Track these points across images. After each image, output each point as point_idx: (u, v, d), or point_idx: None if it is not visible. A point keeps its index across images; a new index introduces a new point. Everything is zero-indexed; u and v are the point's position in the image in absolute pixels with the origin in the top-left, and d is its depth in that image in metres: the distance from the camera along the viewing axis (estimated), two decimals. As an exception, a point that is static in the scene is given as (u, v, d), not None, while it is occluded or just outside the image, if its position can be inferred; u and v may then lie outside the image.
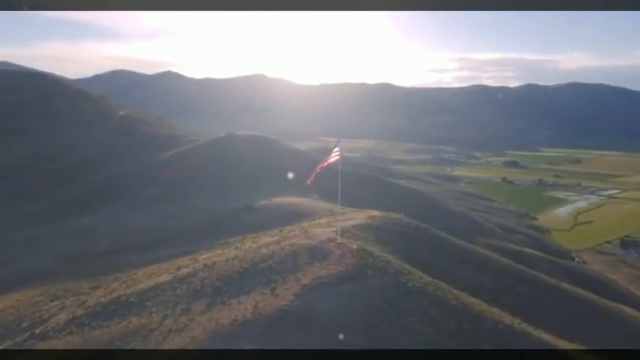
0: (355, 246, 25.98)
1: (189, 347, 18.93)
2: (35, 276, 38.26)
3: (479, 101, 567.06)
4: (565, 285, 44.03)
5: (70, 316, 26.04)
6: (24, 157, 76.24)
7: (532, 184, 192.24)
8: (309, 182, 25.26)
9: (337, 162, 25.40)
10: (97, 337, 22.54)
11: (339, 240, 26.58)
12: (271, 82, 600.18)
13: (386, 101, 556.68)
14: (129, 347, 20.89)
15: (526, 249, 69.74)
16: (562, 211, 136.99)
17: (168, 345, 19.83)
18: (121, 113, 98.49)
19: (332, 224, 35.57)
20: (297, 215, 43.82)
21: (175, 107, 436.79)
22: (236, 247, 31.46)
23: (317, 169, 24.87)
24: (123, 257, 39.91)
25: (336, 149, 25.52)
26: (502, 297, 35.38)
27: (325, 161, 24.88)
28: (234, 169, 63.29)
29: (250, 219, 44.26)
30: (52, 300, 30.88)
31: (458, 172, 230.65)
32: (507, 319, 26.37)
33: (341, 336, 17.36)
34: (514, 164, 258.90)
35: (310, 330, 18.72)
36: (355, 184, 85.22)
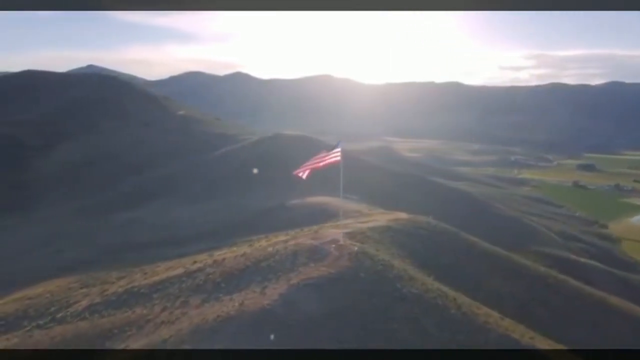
0: (356, 248, 25.63)
1: (172, 339, 19.65)
2: (79, 264, 41.36)
3: (556, 100, 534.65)
4: (612, 300, 40.77)
5: (89, 303, 27.94)
6: (90, 154, 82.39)
7: (607, 189, 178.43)
8: (304, 177, 25.07)
9: (337, 162, 25.13)
10: (103, 324, 23.98)
11: (341, 241, 26.33)
12: (337, 82, 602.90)
13: (454, 100, 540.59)
14: (126, 335, 22.16)
15: (582, 259, 65.07)
16: (638, 219, 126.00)
17: (157, 335, 20.71)
18: (180, 113, 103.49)
19: (350, 225, 35.30)
20: (324, 215, 43.91)
21: (242, 107, 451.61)
22: (250, 245, 32.10)
23: (314, 167, 24.70)
24: (157, 250, 41.98)
25: (337, 149, 25.27)
26: (529, 308, 33.51)
27: (322, 160, 24.67)
28: (277, 167, 64.49)
29: (281, 217, 44.96)
30: (82, 288, 33.22)
31: (525, 174, 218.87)
32: (518, 332, 24.97)
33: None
34: (590, 168, 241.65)
35: (284, 330, 18.78)
36: (402, 185, 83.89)
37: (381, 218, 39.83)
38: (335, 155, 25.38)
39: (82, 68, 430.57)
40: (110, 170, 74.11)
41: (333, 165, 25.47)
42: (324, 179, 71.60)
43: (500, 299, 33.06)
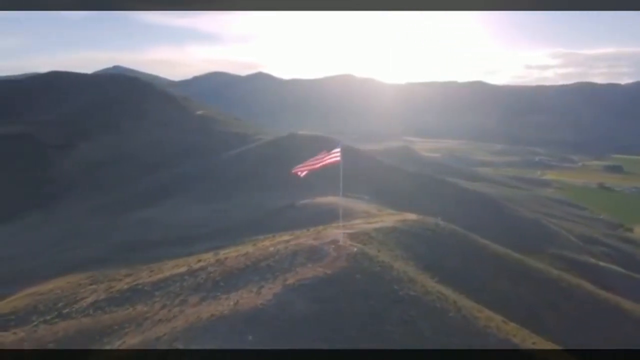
0: (355, 249, 25.47)
1: (165, 337, 19.85)
2: (92, 262, 42.21)
3: (583, 100, 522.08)
4: (628, 305, 39.54)
5: (94, 300, 28.49)
6: (110, 154, 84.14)
7: (634, 192, 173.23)
8: (302, 175, 25.05)
9: (337, 162, 25.04)
10: (104, 321, 24.40)
11: (341, 242, 26.21)
12: (359, 81, 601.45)
13: (477, 100, 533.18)
14: (124, 332, 22.51)
15: (601, 263, 63.35)
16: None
17: (152, 332, 20.95)
18: (199, 113, 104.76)
19: (356, 226, 35.15)
20: (332, 215, 43.73)
21: (263, 107, 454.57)
22: (254, 244, 32.24)
23: (312, 167, 24.65)
24: (168, 248, 42.57)
25: (337, 149, 25.18)
26: (537, 313, 32.81)
27: (321, 160, 24.61)
28: (290, 167, 64.59)
29: (289, 217, 45.05)
30: (90, 284, 33.88)
31: (549, 176, 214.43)
32: (520, 336, 24.47)
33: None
34: (617, 169, 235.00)
35: (274, 330, 18.78)
36: (418, 186, 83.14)
37: (388, 219, 39.52)
38: (334, 156, 25.30)
39: (108, 69, 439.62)
40: (129, 170, 75.50)
41: (333, 166, 25.41)
42: (337, 178, 71.69)
43: (508, 302, 32.42)
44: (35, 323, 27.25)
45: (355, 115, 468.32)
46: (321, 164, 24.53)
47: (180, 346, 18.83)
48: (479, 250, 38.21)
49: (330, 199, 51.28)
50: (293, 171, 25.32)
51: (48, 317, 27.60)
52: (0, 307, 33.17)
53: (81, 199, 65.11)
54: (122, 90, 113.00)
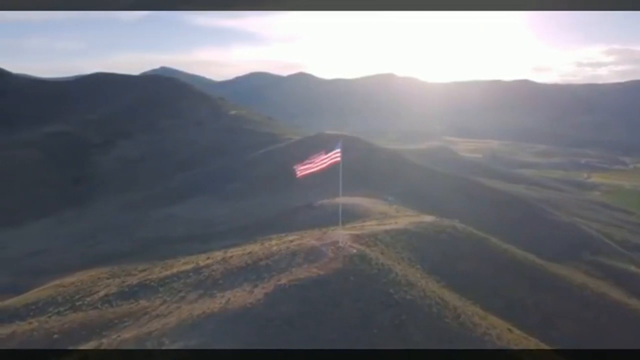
0: (355, 251, 25.20)
1: (156, 332, 20.31)
2: (115, 256, 43.81)
3: (638, 99, 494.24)
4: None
5: (105, 293, 29.54)
6: (145, 152, 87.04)
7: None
8: (298, 176, 25.00)
9: (336, 163, 24.84)
10: (108, 314, 25.26)
11: (341, 243, 25.98)
12: (400, 81, 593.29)
13: (523, 99, 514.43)
14: (123, 326, 23.21)
15: (641, 271, 59.72)
16: None
17: (146, 328, 21.49)
18: (232, 113, 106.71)
19: (366, 227, 34.78)
20: (348, 216, 43.39)
21: (302, 107, 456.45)
22: (261, 244, 32.48)
23: (312, 168, 24.54)
24: (186, 245, 43.54)
25: (336, 150, 24.96)
26: (552, 322, 31.40)
27: (321, 162, 24.46)
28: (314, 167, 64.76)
29: (304, 217, 45.12)
30: (108, 278, 35.10)
31: (596, 178, 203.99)
32: (522, 345, 23.59)
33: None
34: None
35: (258, 329, 18.85)
36: (449, 187, 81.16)
37: (404, 221, 38.81)
38: (334, 156, 25.10)
39: (154, 70, 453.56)
40: (161, 168, 77.86)
41: (332, 166, 25.22)
42: (365, 178, 71.23)
43: (522, 310, 31.26)
44: (49, 314, 28.58)
45: (396, 114, 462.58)
46: (321, 166, 24.37)
47: (167, 342, 19.26)
48: (497, 254, 36.93)
49: (350, 199, 50.94)
50: (295, 167, 25.31)
51: (62, 309, 28.88)
52: (27, 296, 35.06)
53: (115, 195, 67.73)
54: (161, 91, 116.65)
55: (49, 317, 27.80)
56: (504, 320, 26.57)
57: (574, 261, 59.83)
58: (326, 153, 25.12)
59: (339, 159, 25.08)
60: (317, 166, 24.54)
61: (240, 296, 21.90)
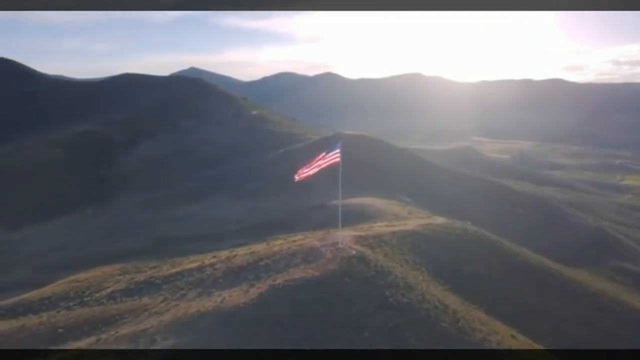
0: (354, 252, 25.00)
1: (151, 329, 20.61)
2: (130, 253, 44.74)
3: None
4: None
5: (113, 290, 30.22)
6: (167, 151, 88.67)
7: None
8: (296, 179, 24.99)
9: (336, 163, 24.71)
10: (111, 310, 25.77)
11: (340, 244, 25.83)
12: (427, 80, 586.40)
13: (555, 99, 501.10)
14: (123, 322, 23.67)
15: (668, 278, 57.26)
16: None
17: (142, 325, 21.82)
18: (254, 113, 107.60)
19: (373, 228, 34.46)
20: (359, 216, 43.20)
21: (328, 107, 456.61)
22: (267, 244, 32.60)
23: (312, 169, 24.47)
24: (199, 243, 44.09)
25: (336, 150, 24.82)
26: (564, 328, 30.49)
27: (318, 162, 24.36)
28: (331, 167, 64.66)
29: (316, 217, 45.03)
30: (119, 275, 35.89)
31: (630, 181, 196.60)
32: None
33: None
34: None
35: (248, 329, 18.90)
36: (470, 189, 79.79)
37: (414, 222, 38.31)
38: (334, 157, 24.97)
39: (184, 71, 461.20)
40: (181, 167, 79.23)
41: (332, 167, 25.09)
42: (383, 179, 70.70)
43: (531, 316, 30.40)
44: (59, 309, 29.42)
45: (423, 114, 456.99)
46: (320, 168, 24.29)
47: (159, 339, 19.53)
48: (508, 258, 36.07)
49: (364, 200, 50.70)
50: (295, 174, 25.33)
51: (71, 304, 29.68)
52: (44, 291, 36.17)
53: (136, 194, 69.28)
54: (185, 91, 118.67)
55: (58, 311, 28.60)
56: (509, 326, 25.88)
57: (597, 266, 57.97)
58: (326, 154, 24.99)
59: (338, 159, 24.94)
60: (315, 168, 24.44)
61: (235, 295, 22.01)
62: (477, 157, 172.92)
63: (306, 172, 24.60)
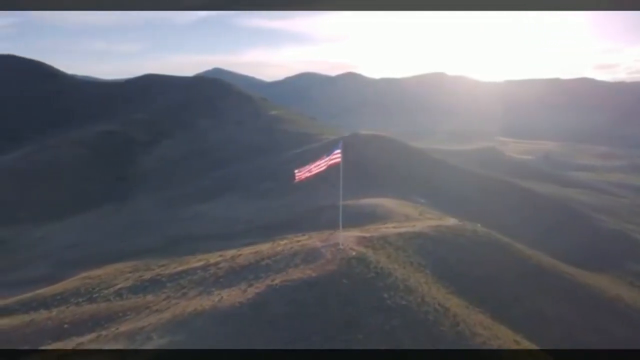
0: (354, 253, 24.85)
1: (149, 327, 20.86)
2: (143, 251, 45.46)
3: None
4: None
5: (120, 287, 30.75)
6: (185, 150, 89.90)
7: None
8: (296, 179, 24.98)
9: (336, 164, 24.63)
10: (116, 307, 26.23)
11: (341, 245, 25.70)
12: (451, 80, 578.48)
13: (583, 98, 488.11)
14: (124, 319, 24.04)
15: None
16: None
17: (141, 322, 22.12)
18: (273, 113, 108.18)
19: (380, 229, 34.19)
20: (370, 217, 42.92)
21: (350, 106, 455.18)
22: (272, 243, 32.67)
23: (313, 170, 24.44)
24: (209, 242, 44.48)
25: (337, 151, 24.73)
26: (576, 336, 29.58)
27: (322, 164, 24.32)
28: (348, 166, 64.54)
29: (325, 218, 44.83)
30: (130, 272, 36.52)
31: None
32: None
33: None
34: None
35: (243, 328, 18.96)
36: (488, 190, 78.43)
37: (423, 224, 37.82)
38: (335, 158, 24.89)
39: (207, 71, 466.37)
40: (199, 166, 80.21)
41: (333, 167, 25.02)
42: (399, 180, 70.03)
43: (541, 321, 29.60)
44: (69, 304, 30.09)
45: (446, 114, 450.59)
46: (320, 169, 24.24)
47: (155, 337, 19.75)
48: (520, 261, 35.22)
49: (375, 200, 50.39)
50: (295, 172, 25.31)
51: (81, 300, 30.34)
52: (58, 287, 37.10)
53: (153, 192, 70.45)
54: (205, 91, 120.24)
55: (67, 307, 29.25)
56: (516, 331, 25.29)
57: (617, 271, 56.06)
58: (327, 154, 24.93)
59: (339, 160, 24.86)
60: (315, 168, 24.40)
61: (233, 295, 22.11)
62: (499, 157, 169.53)
63: (306, 172, 24.57)
